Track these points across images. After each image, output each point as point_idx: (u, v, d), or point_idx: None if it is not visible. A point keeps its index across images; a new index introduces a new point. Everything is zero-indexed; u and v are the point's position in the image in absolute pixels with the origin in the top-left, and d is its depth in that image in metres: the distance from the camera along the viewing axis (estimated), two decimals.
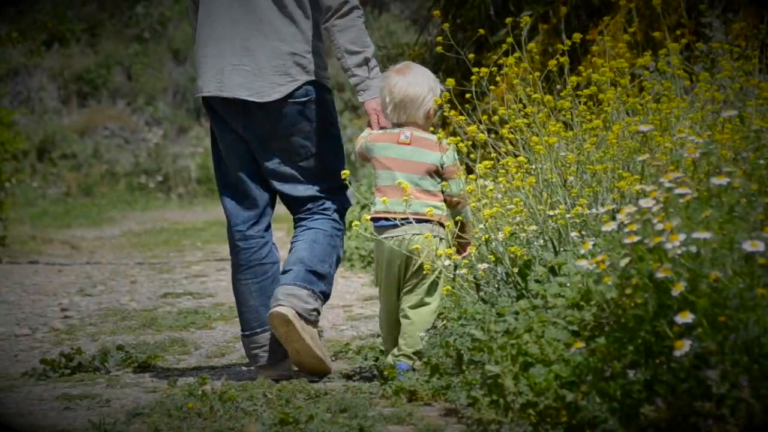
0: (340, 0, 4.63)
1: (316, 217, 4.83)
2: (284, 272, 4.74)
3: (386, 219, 4.52)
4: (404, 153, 4.54)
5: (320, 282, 4.72)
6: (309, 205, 4.84)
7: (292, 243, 4.84)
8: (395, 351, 4.49)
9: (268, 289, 4.77)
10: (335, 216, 4.85)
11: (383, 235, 4.52)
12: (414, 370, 4.35)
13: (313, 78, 4.74)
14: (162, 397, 4.29)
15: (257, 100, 4.69)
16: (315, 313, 4.67)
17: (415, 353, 4.43)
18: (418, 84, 4.55)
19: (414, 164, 4.52)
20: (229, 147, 4.81)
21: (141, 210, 18.63)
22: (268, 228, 4.88)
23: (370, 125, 4.70)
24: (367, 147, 4.61)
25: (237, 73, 4.70)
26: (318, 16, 4.74)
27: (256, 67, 4.69)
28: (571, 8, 9.06)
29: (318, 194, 4.83)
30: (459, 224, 4.57)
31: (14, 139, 12.54)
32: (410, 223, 4.47)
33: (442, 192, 4.55)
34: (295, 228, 4.90)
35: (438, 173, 4.53)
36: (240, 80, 4.70)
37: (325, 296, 4.75)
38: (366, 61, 4.66)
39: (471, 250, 4.65)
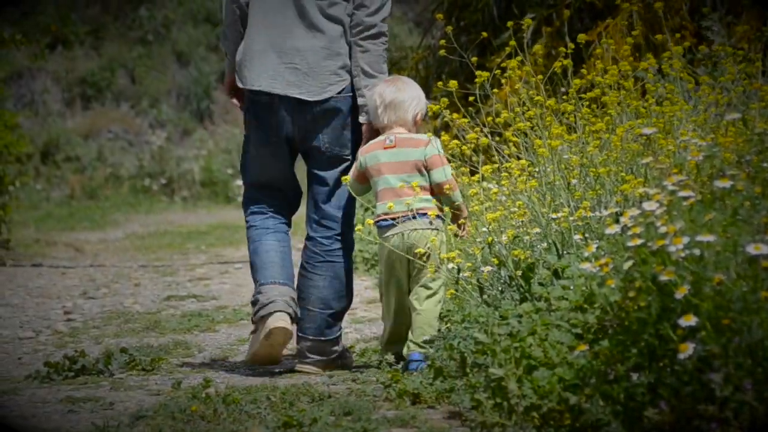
0: (369, 22, 4.87)
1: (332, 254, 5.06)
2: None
3: (386, 220, 4.74)
4: (390, 156, 4.78)
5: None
6: (325, 232, 5.03)
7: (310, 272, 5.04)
8: (408, 344, 4.68)
9: (286, 260, 4.98)
10: (347, 259, 5.08)
11: (385, 234, 4.73)
12: (427, 359, 4.47)
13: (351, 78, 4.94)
14: (166, 399, 4.29)
15: (309, 99, 4.88)
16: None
17: (425, 342, 4.60)
18: (407, 90, 4.83)
19: (401, 164, 4.76)
20: (270, 141, 4.98)
21: (145, 213, 18.62)
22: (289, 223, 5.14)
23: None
24: (360, 162, 4.85)
25: (289, 72, 4.90)
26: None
27: (308, 67, 4.88)
28: (575, 11, 9.07)
29: (337, 209, 5.02)
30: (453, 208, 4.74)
31: (18, 142, 12.54)
32: (410, 219, 4.67)
33: (431, 184, 4.75)
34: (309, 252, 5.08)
35: (425, 167, 4.75)
36: (292, 79, 4.89)
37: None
38: None
39: (469, 230, 4.86)
